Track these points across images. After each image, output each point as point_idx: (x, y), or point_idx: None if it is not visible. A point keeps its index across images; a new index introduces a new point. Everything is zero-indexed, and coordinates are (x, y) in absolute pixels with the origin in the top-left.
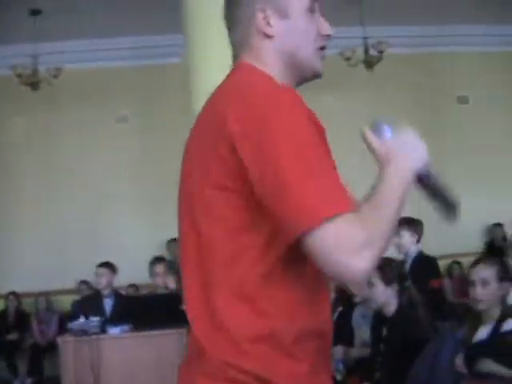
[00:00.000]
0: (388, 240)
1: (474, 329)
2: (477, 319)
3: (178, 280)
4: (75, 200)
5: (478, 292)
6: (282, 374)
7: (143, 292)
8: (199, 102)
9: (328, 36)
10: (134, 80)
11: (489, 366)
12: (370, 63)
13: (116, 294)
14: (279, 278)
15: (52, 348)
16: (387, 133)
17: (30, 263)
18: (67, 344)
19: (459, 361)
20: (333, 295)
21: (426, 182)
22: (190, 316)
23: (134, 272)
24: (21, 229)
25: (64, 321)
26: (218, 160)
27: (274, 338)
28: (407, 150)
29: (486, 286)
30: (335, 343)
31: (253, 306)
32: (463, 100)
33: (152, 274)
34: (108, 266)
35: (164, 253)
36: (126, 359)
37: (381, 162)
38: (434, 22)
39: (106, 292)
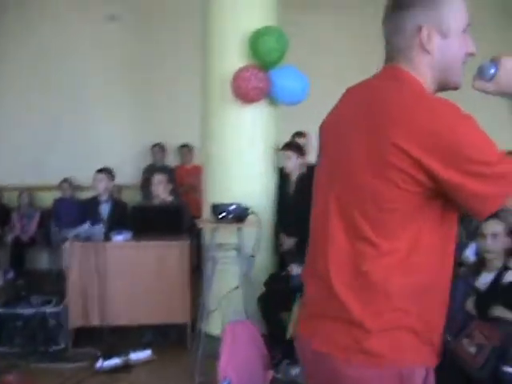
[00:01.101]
0: None
1: (482, 270)
2: (481, 266)
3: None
4: (63, 99)
5: (489, 243)
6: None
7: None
8: None
9: (473, 54)
10: None
11: (500, 311)
12: None
13: (113, 200)
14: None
15: (33, 243)
16: (492, 70)
17: (13, 157)
18: (74, 249)
19: (470, 304)
20: None
21: None
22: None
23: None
24: (5, 121)
25: (44, 217)
26: (393, 168)
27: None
28: None
29: (495, 238)
30: None
31: None
32: None
33: (149, 183)
34: (106, 171)
35: (148, 157)
36: (129, 265)
37: (505, 94)
38: None
39: (103, 198)
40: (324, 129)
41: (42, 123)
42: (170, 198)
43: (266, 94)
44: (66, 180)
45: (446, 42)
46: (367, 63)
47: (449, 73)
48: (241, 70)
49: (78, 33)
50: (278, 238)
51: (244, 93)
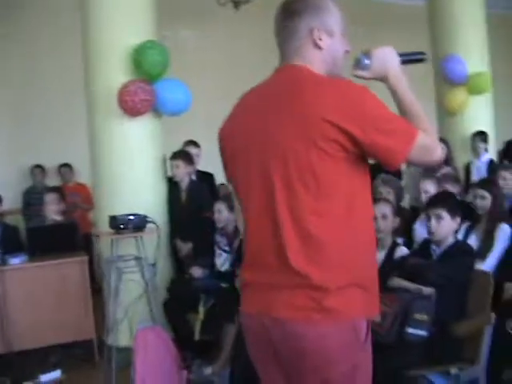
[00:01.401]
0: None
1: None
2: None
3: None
4: None
5: (379, 224)
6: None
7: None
8: None
9: (348, 51)
10: None
11: (396, 282)
12: (237, 3)
13: (2, 224)
14: None
15: None
16: (366, 61)
17: None
18: None
19: None
20: None
21: (405, 62)
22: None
23: None
24: None
25: None
26: (324, 139)
27: None
28: (386, 60)
29: (385, 219)
30: None
31: None
32: None
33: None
34: None
35: (27, 178)
36: (29, 287)
37: (381, 80)
38: None
39: None
40: (229, 134)
41: None
42: (59, 218)
43: (152, 107)
44: None
45: (332, 40)
46: (242, 75)
47: (335, 65)
48: (126, 85)
49: None
50: (175, 244)
51: (131, 106)
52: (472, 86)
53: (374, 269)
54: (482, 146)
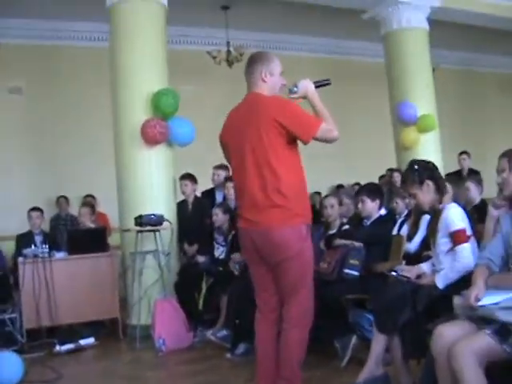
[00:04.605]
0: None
1: (328, 229)
2: (328, 225)
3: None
4: None
5: (328, 211)
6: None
7: None
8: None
9: (284, 84)
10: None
11: (338, 241)
12: (230, 62)
13: (43, 232)
14: None
15: None
16: (295, 88)
17: None
18: (27, 264)
19: (321, 243)
20: None
21: (317, 86)
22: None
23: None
24: None
25: None
26: (273, 127)
27: None
28: (306, 86)
29: (332, 208)
30: None
31: None
32: None
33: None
34: (39, 210)
35: (52, 207)
36: (70, 276)
37: (304, 98)
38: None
39: (36, 231)
40: (224, 136)
41: None
42: (92, 225)
43: (167, 138)
44: None
45: (272, 78)
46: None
47: (275, 90)
48: (147, 121)
49: None
50: (182, 246)
51: (151, 136)
52: (421, 126)
53: (307, 198)
54: None
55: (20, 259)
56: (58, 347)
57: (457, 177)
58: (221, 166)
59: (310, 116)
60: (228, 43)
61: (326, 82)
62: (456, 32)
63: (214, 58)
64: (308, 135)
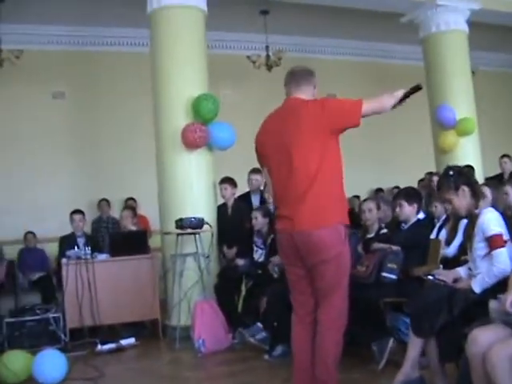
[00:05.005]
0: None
1: (366, 232)
2: (366, 228)
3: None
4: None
5: (367, 215)
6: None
7: None
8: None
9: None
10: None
11: (376, 245)
12: (270, 66)
13: (85, 234)
14: None
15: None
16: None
17: None
18: (70, 266)
19: (359, 247)
20: None
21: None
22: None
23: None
24: None
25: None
26: (316, 129)
27: None
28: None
29: (370, 212)
30: None
31: None
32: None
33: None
34: (80, 212)
35: (94, 210)
36: (112, 278)
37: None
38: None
39: (79, 233)
40: (259, 138)
41: None
42: (134, 228)
43: (207, 142)
44: (30, 232)
45: (315, 88)
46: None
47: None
48: (188, 125)
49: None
50: (221, 249)
51: (192, 141)
52: (460, 129)
53: (345, 198)
54: None
55: (63, 260)
56: (99, 347)
57: (497, 181)
58: (257, 170)
59: (347, 101)
60: (267, 47)
61: (417, 88)
62: (495, 34)
63: (254, 62)
64: (355, 119)
